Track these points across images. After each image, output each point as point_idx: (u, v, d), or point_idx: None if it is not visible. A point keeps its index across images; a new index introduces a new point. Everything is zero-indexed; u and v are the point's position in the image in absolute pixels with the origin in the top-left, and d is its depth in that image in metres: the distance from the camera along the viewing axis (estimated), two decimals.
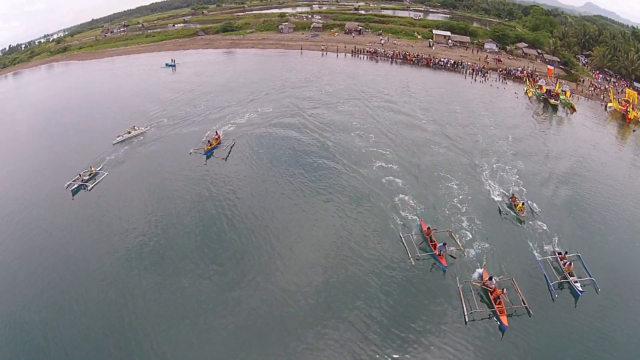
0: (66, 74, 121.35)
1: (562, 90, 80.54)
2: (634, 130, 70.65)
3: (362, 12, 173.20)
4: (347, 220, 38.89)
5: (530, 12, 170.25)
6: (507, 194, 43.29)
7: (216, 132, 56.25)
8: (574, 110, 74.77)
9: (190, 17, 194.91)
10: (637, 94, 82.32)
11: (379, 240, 36.28)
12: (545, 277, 32.40)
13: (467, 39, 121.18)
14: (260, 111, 66.14)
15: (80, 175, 46.30)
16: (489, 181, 45.98)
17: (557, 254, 34.42)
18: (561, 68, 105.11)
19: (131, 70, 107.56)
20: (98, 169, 48.72)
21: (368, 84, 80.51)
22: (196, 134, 57.79)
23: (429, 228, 35.93)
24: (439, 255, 33.61)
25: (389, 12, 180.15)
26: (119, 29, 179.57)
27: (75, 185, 45.51)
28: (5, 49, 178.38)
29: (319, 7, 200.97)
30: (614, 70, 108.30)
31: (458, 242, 35.54)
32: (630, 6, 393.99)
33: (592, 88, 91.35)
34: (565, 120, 71.89)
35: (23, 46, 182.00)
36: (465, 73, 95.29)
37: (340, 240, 36.26)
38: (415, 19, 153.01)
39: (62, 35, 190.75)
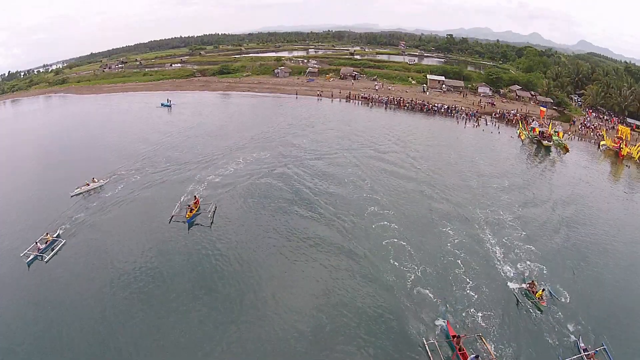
0: (61, 107, 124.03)
1: (555, 132, 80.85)
2: (627, 166, 70.99)
3: (358, 57, 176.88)
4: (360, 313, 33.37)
5: (524, 53, 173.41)
6: (521, 276, 37.94)
7: (195, 196, 50.10)
8: (567, 150, 75.06)
9: (187, 57, 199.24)
10: (630, 130, 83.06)
11: (397, 346, 30.33)
12: None
13: (460, 83, 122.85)
14: (248, 161, 63.81)
15: (36, 243, 40.48)
16: (498, 255, 40.89)
17: (582, 350, 30.18)
18: (554, 109, 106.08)
19: (127, 107, 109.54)
20: (54, 235, 42.48)
21: (362, 132, 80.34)
22: (171, 192, 52.91)
23: (458, 336, 29.87)
24: None
25: (384, 57, 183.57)
26: (117, 65, 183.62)
27: (32, 256, 39.42)
28: (4, 74, 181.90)
29: (315, 52, 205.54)
30: (607, 108, 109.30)
31: (491, 349, 29.50)
32: (624, 41, 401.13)
33: (584, 128, 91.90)
34: (558, 161, 71.82)
35: (22, 74, 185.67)
36: (459, 118, 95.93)
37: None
38: (409, 64, 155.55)
39: (60, 67, 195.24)
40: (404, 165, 62.56)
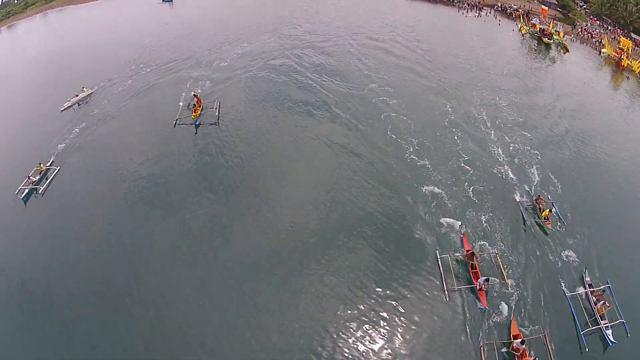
0: (57, 22, 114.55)
1: (556, 31, 78.86)
2: (627, 77, 69.42)
3: None
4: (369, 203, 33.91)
5: None
6: (528, 188, 36.92)
7: (194, 94, 47.63)
8: (567, 50, 73.26)
9: None
10: (632, 43, 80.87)
11: (408, 251, 30.45)
12: (576, 323, 27.47)
13: None
14: (252, 46, 62.39)
15: (28, 177, 38.24)
16: (503, 155, 39.90)
17: (587, 286, 29.14)
18: (558, 10, 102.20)
19: (125, 9, 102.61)
20: (47, 164, 40.19)
21: (362, 16, 78.72)
22: (169, 92, 50.61)
23: (473, 253, 29.24)
24: (479, 290, 27.96)
25: None
26: None
27: (26, 191, 37.41)
28: None
29: None
30: (612, 19, 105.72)
31: (504, 271, 29.09)
32: None
33: (585, 32, 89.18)
34: (558, 59, 70.36)
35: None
36: (461, 7, 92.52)
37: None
38: None
39: None
40: (405, 51, 61.99)
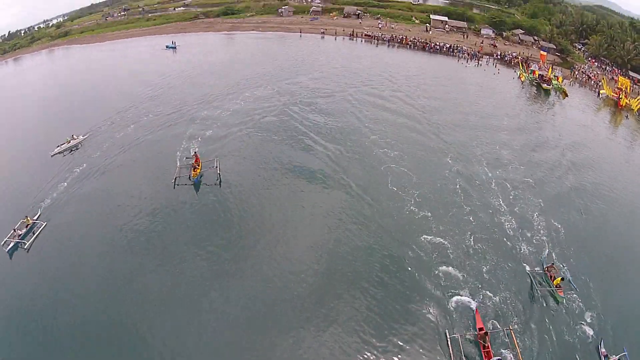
0: (63, 59, 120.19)
1: (555, 76, 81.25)
2: (626, 117, 71.63)
3: None
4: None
5: None
6: (537, 251, 34.91)
7: (194, 153, 45.44)
8: (566, 95, 75.44)
9: (190, 0, 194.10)
10: (630, 81, 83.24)
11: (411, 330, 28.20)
12: None
13: (464, 24, 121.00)
14: (248, 101, 61.21)
15: (14, 230, 36.35)
16: (513, 225, 37.58)
17: (603, 357, 27.51)
18: (557, 55, 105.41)
19: (130, 52, 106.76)
20: (35, 217, 38.15)
21: (364, 69, 79.63)
22: (165, 146, 48.99)
23: (486, 332, 27.11)
24: None
25: None
26: (120, 13, 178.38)
27: (12, 244, 35.51)
28: (4, 35, 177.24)
29: None
30: (610, 59, 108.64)
31: (518, 350, 26.67)
32: None
33: (585, 76, 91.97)
34: (557, 104, 72.38)
35: (23, 32, 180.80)
36: (460, 57, 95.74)
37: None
38: (413, 4, 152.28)
39: (61, 21, 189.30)
40: (405, 103, 62.58)
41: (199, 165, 42.85)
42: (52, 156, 48.81)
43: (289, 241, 34.73)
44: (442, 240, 34.84)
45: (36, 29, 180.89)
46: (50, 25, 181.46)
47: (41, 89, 78.52)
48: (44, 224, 37.57)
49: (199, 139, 50.45)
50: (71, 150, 50.01)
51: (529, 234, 36.67)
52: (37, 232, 36.80)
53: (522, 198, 41.12)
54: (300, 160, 45.86)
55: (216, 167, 43.38)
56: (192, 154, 45.52)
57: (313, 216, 37.65)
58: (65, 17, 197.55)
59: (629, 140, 62.43)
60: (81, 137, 52.05)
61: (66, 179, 43.64)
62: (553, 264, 33.14)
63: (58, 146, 49.87)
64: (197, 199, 40.11)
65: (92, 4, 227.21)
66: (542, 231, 37.12)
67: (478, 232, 36.22)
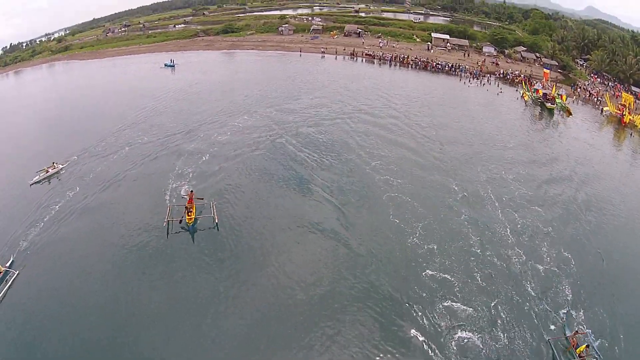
0: (63, 74, 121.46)
1: (559, 94, 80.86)
2: (631, 134, 70.94)
3: (363, 14, 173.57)
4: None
5: (530, 15, 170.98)
6: (555, 315, 29.49)
7: (190, 192, 40.45)
8: (570, 114, 74.83)
9: (191, 17, 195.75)
10: (634, 98, 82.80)
11: None
12: None
13: (465, 42, 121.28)
14: (242, 128, 58.98)
15: None
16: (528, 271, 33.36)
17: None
18: (559, 72, 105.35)
19: (128, 70, 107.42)
20: (7, 264, 33.31)
21: (365, 90, 79.48)
22: (152, 187, 43.95)
23: None
24: None
25: (389, 15, 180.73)
26: (120, 29, 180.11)
27: None
28: (6, 47, 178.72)
29: (320, 10, 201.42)
30: (612, 74, 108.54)
31: None
32: (632, 10, 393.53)
33: (587, 93, 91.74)
34: (562, 124, 71.66)
35: (24, 44, 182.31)
36: (462, 77, 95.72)
37: None
38: (415, 22, 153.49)
39: (63, 34, 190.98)
40: (408, 126, 61.26)
41: (193, 207, 38.12)
42: (30, 185, 45.79)
43: (287, 276, 32.20)
44: (447, 292, 30.68)
45: (37, 42, 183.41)
46: (52, 39, 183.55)
47: (34, 106, 78.62)
48: (17, 273, 32.48)
49: (191, 173, 46.42)
50: (49, 181, 46.85)
51: (545, 287, 31.86)
52: (10, 282, 31.87)
53: (532, 230, 38.53)
54: (299, 194, 42.82)
55: (212, 208, 38.68)
56: (186, 193, 40.96)
57: (311, 255, 34.74)
58: (67, 31, 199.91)
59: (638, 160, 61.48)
60: (60, 165, 49.28)
61: (43, 218, 39.10)
62: (577, 331, 28.03)
63: (37, 174, 46.98)
64: (193, 248, 35.10)
65: (93, 19, 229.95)
66: (556, 277, 32.74)
67: (486, 278, 32.19)
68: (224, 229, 37.02)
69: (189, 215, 37.06)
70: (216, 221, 37.16)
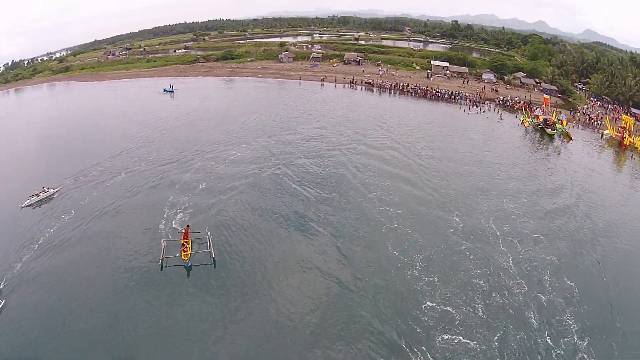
0: (62, 95, 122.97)
1: (559, 120, 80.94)
2: (632, 157, 70.56)
3: (362, 42, 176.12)
4: None
5: (529, 41, 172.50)
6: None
7: (185, 227, 39.09)
8: (570, 139, 74.78)
9: (191, 43, 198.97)
10: (634, 120, 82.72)
11: None
12: None
13: (465, 69, 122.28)
14: (239, 158, 58.28)
15: None
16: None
17: None
18: (559, 97, 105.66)
19: (127, 94, 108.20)
20: None
21: (365, 120, 79.33)
22: (147, 220, 42.60)
23: None
24: None
25: (389, 43, 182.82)
26: (121, 51, 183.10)
27: None
28: (8, 64, 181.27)
29: (320, 37, 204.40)
30: (612, 97, 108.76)
31: None
32: (629, 32, 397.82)
33: (586, 117, 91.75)
34: (562, 149, 71.33)
35: (26, 62, 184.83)
36: (462, 104, 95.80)
37: None
38: (414, 50, 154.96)
39: (64, 55, 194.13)
40: (406, 157, 60.73)
41: (189, 242, 37.18)
42: (21, 208, 45.58)
43: (284, 310, 31.21)
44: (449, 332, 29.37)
45: (39, 60, 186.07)
46: (53, 58, 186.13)
47: (31, 127, 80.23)
48: (2, 303, 31.32)
49: (187, 203, 45.34)
50: (40, 205, 46.40)
51: (547, 316, 30.93)
52: None
53: (534, 260, 37.64)
54: (296, 228, 41.65)
55: (208, 242, 37.57)
56: (182, 227, 39.51)
57: (310, 292, 33.51)
58: (69, 52, 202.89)
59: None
60: (52, 190, 49.01)
61: (31, 247, 38.03)
62: None
63: (28, 198, 46.79)
64: (190, 289, 33.36)
65: (95, 40, 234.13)
66: (560, 307, 31.89)
67: (488, 310, 31.25)
68: (221, 266, 35.75)
69: (184, 251, 36.03)
70: (213, 256, 36.03)
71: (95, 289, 32.71)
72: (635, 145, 73.84)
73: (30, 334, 28.67)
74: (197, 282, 34.13)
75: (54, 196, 48.51)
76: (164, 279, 34.25)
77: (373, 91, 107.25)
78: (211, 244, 37.23)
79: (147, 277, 34.33)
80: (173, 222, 42.02)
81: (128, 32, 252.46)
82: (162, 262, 35.33)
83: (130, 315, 30.20)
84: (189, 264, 35.61)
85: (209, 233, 38.85)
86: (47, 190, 48.68)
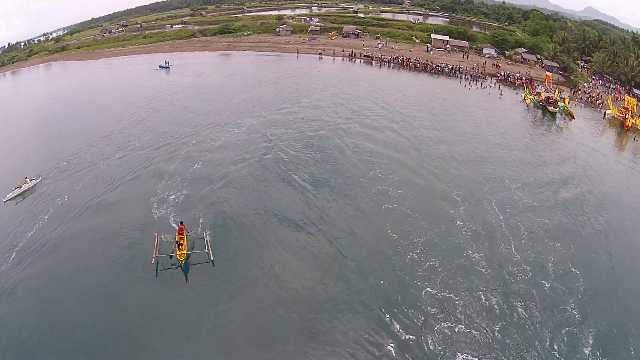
0: (57, 75, 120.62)
1: (561, 98, 79.48)
2: (635, 139, 69.84)
3: (361, 15, 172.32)
4: None
5: (530, 16, 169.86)
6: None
7: (180, 223, 35.56)
8: (573, 117, 73.32)
9: (188, 18, 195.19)
10: (637, 101, 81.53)
11: None
12: None
13: (465, 43, 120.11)
14: (236, 136, 55.97)
15: None
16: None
17: None
18: (560, 74, 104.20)
19: (122, 72, 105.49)
20: None
21: (364, 94, 77.20)
22: (138, 214, 39.06)
23: None
24: None
25: (388, 16, 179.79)
26: (118, 29, 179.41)
27: None
28: (4, 47, 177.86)
29: (318, 10, 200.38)
30: (613, 77, 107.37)
31: None
32: (631, 11, 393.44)
33: (588, 95, 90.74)
34: (564, 128, 70.45)
35: (22, 44, 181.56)
36: (463, 79, 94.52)
37: None
38: (414, 23, 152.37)
39: (61, 34, 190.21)
40: (407, 134, 59.00)
41: (184, 240, 33.70)
42: (4, 202, 42.66)
43: (282, 300, 29.54)
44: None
45: (35, 41, 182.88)
46: (50, 38, 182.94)
47: (23, 110, 78.48)
48: None
49: (178, 199, 41.32)
50: (24, 197, 43.51)
51: (551, 303, 29.98)
52: None
53: (538, 243, 36.69)
54: (294, 215, 39.03)
55: (205, 240, 34.57)
56: (176, 223, 36.57)
57: (311, 282, 31.77)
58: (66, 31, 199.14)
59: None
60: (34, 181, 45.82)
61: (14, 248, 34.72)
62: None
63: (11, 191, 43.77)
64: (189, 293, 30.59)
65: (92, 19, 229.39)
66: (563, 294, 30.81)
67: (490, 297, 30.00)
68: (219, 265, 32.67)
69: (180, 250, 32.59)
70: (212, 258, 32.79)
71: (82, 297, 29.57)
72: (638, 127, 72.93)
73: (17, 338, 26.52)
74: (194, 283, 31.67)
75: (43, 184, 45.76)
76: (159, 284, 31.38)
77: (372, 64, 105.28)
78: (208, 242, 34.24)
79: (140, 282, 31.21)
80: (166, 215, 38.76)
81: (125, 8, 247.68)
82: (155, 262, 32.22)
83: (123, 320, 27.91)
84: (186, 265, 32.56)
85: (205, 230, 36.11)
86: (28, 181, 45.64)
